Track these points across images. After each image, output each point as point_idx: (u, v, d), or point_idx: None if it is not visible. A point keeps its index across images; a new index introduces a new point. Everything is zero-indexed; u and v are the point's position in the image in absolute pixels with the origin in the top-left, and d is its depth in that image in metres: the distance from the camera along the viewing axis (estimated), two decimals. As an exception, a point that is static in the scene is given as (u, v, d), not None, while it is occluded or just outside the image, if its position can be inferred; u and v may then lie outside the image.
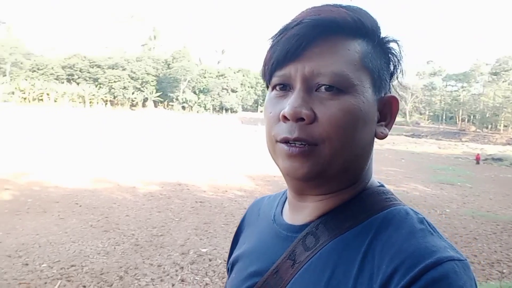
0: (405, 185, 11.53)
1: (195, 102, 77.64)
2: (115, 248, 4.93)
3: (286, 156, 0.53)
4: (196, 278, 4.17)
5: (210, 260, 4.67)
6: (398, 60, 0.60)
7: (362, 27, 0.54)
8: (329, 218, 0.57)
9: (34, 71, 70.83)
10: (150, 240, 5.29)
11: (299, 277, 0.55)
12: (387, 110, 0.59)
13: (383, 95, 0.58)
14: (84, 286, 3.80)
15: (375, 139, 0.59)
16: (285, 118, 0.53)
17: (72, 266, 4.29)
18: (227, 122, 52.37)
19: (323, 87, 0.52)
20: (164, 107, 76.36)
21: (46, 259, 4.44)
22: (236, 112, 78.20)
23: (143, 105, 73.68)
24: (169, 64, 77.45)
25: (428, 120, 73.48)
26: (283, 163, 0.55)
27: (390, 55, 0.59)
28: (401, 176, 13.60)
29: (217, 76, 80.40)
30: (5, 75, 66.05)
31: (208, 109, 78.46)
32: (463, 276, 0.45)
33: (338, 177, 0.56)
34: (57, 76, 71.25)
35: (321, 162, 0.53)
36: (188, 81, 76.54)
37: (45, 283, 3.84)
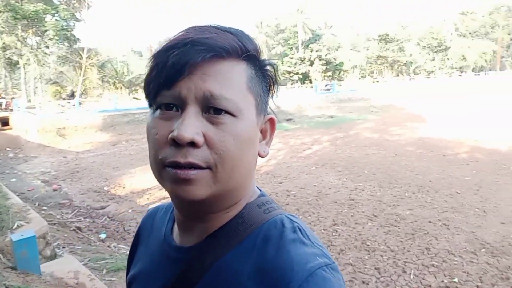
0: None
1: None
2: None
3: (177, 180, 0.52)
4: None
5: None
6: (274, 82, 0.62)
7: (246, 52, 0.55)
8: (213, 238, 0.58)
9: None
10: None
11: None
12: (267, 129, 0.62)
13: (263, 115, 0.60)
14: None
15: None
16: (174, 142, 0.51)
17: None
18: None
19: (212, 109, 0.52)
20: None
21: None
22: None
23: None
24: None
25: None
26: (173, 187, 0.53)
27: (268, 78, 0.61)
28: None
29: None
30: None
31: None
32: (331, 279, 0.50)
33: (225, 198, 0.57)
34: None
35: (210, 185, 0.53)
36: None
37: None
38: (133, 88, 30.98)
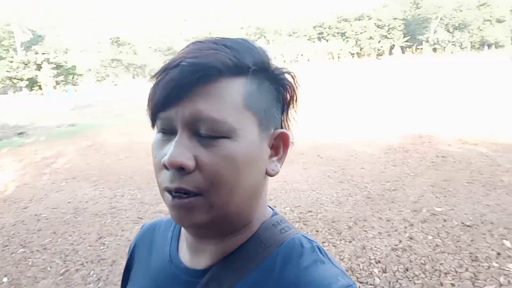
0: None
1: (449, 42, 68.90)
2: (347, 199, 5.24)
3: (171, 206, 0.51)
4: (426, 237, 3.97)
5: (444, 220, 4.32)
6: (292, 92, 0.58)
7: (243, 66, 0.51)
8: (230, 260, 0.56)
9: (291, 35, 79.14)
10: (382, 194, 5.32)
11: None
12: (279, 145, 0.57)
13: (273, 130, 0.55)
14: (317, 231, 4.26)
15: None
16: (165, 167, 0.50)
17: (309, 211, 4.85)
18: (490, 60, 44.23)
19: (203, 132, 0.50)
20: (412, 52, 71.44)
21: (289, 204, 5.19)
22: (502, 46, 64.93)
23: (390, 53, 71.14)
24: (418, 4, 71.01)
25: None
26: (171, 213, 0.52)
27: (282, 88, 0.57)
28: None
29: (477, 6, 68.19)
30: (269, 43, 76.67)
31: (465, 47, 68.28)
32: None
33: (230, 222, 0.55)
34: (309, 37, 77.29)
35: (207, 211, 0.51)
36: (440, 19, 68.33)
37: (287, 224, 4.54)
38: None
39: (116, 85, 39.73)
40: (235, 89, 0.51)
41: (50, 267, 4.06)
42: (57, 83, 33.45)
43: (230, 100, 0.50)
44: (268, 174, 0.56)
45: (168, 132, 0.52)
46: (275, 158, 0.57)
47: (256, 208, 0.57)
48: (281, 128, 0.59)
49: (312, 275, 0.51)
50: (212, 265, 0.57)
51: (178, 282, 0.59)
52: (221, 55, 0.50)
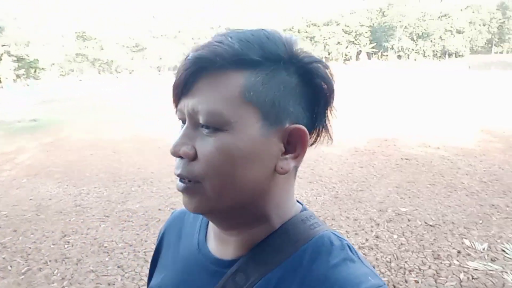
0: None
1: (412, 50, 71.61)
2: (316, 198, 5.33)
3: (180, 191, 0.54)
4: (392, 236, 4.11)
5: (409, 220, 4.48)
6: (322, 83, 0.54)
7: (245, 59, 0.49)
8: (257, 252, 0.55)
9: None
10: (349, 194, 5.45)
11: None
12: (296, 141, 0.53)
13: (287, 125, 0.52)
14: (287, 230, 4.31)
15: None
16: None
17: (279, 211, 4.90)
18: (450, 69, 46.30)
19: (201, 124, 0.51)
20: (378, 58, 73.65)
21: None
22: (462, 56, 68.25)
23: (357, 59, 73.00)
24: (384, 12, 73.30)
25: None
26: (182, 197, 0.55)
27: (306, 79, 0.53)
28: None
29: (439, 17, 71.22)
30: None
31: (428, 55, 71.17)
32: None
33: (237, 213, 0.54)
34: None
35: (205, 198, 0.52)
36: (405, 27, 70.83)
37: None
38: None
39: (81, 80, 38.43)
40: (233, 82, 0.50)
41: (11, 266, 3.88)
42: (18, 76, 31.93)
43: (226, 92, 0.49)
44: (276, 171, 0.52)
45: (184, 122, 0.54)
46: (289, 156, 0.53)
47: (267, 203, 0.55)
48: (317, 124, 0.56)
49: (341, 274, 0.50)
50: (239, 257, 0.56)
51: (205, 271, 0.59)
52: (220, 48, 0.49)
